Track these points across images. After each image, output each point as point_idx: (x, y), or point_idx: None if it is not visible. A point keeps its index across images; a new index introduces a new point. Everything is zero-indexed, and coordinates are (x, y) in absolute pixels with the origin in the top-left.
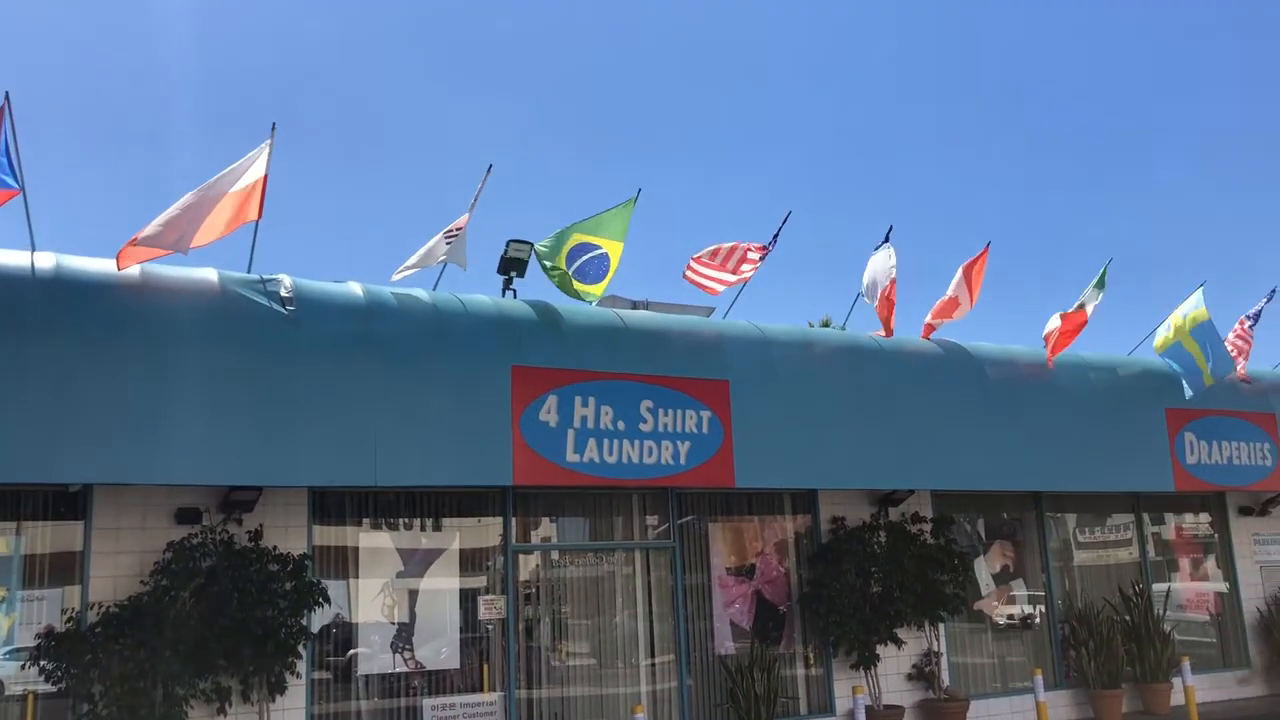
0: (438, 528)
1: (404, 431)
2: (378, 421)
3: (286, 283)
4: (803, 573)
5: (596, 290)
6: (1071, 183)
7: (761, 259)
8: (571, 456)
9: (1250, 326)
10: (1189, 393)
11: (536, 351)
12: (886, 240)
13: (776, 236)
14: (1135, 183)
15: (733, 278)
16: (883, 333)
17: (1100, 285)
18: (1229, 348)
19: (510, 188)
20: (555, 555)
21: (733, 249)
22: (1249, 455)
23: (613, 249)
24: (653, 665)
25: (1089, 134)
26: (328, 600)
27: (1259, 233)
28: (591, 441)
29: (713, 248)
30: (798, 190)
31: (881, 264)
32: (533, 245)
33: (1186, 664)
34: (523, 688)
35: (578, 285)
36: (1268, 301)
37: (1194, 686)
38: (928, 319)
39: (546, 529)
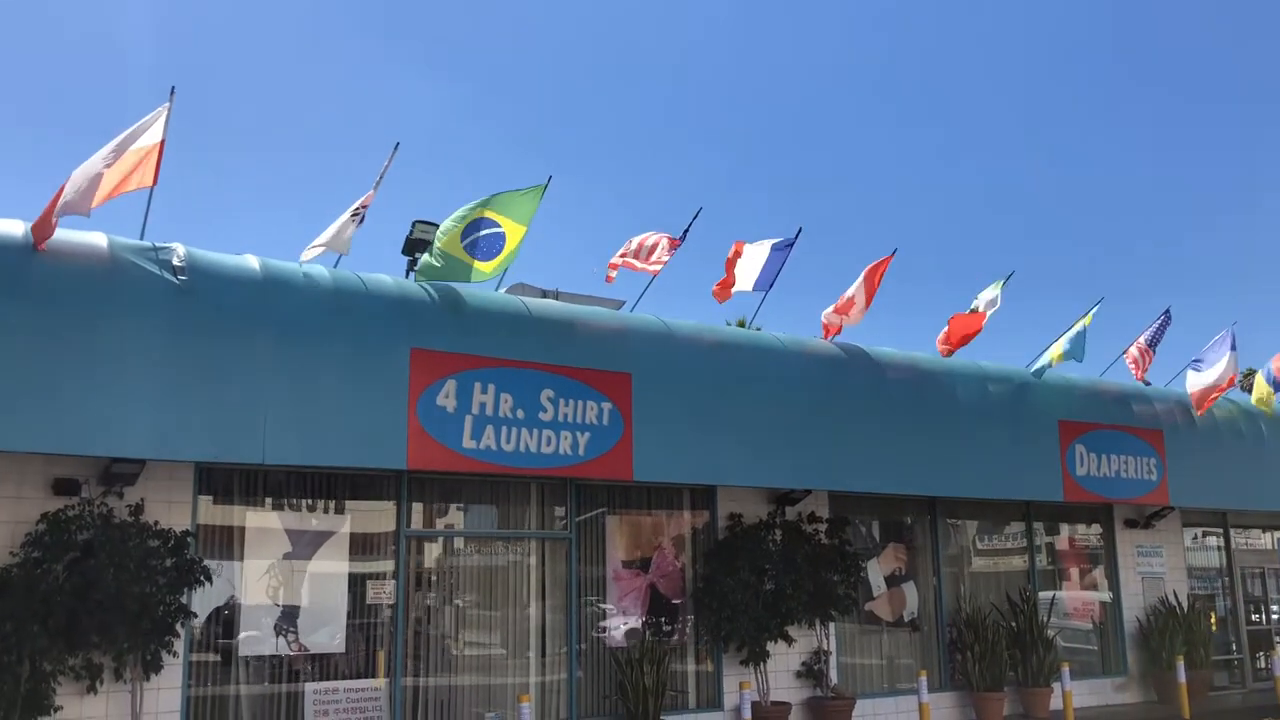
0: (329, 510)
1: (295, 410)
2: (268, 398)
3: (180, 252)
4: (698, 568)
5: (487, 268)
6: (979, 191)
7: (672, 253)
8: (468, 443)
9: (1150, 344)
10: (1040, 365)
11: (437, 335)
12: (794, 240)
13: (687, 231)
14: (1041, 196)
15: (641, 264)
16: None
17: (995, 296)
18: (1128, 360)
19: (438, 170)
20: (450, 542)
21: (647, 241)
22: (1136, 469)
23: (513, 230)
24: (544, 656)
25: (1002, 142)
26: (209, 578)
27: (1162, 249)
28: (489, 429)
29: (635, 241)
30: (725, 186)
31: (774, 262)
32: (438, 227)
33: (1066, 670)
34: (410, 675)
35: (469, 259)
36: (1162, 322)
37: (1072, 692)
38: (825, 317)
39: (442, 515)
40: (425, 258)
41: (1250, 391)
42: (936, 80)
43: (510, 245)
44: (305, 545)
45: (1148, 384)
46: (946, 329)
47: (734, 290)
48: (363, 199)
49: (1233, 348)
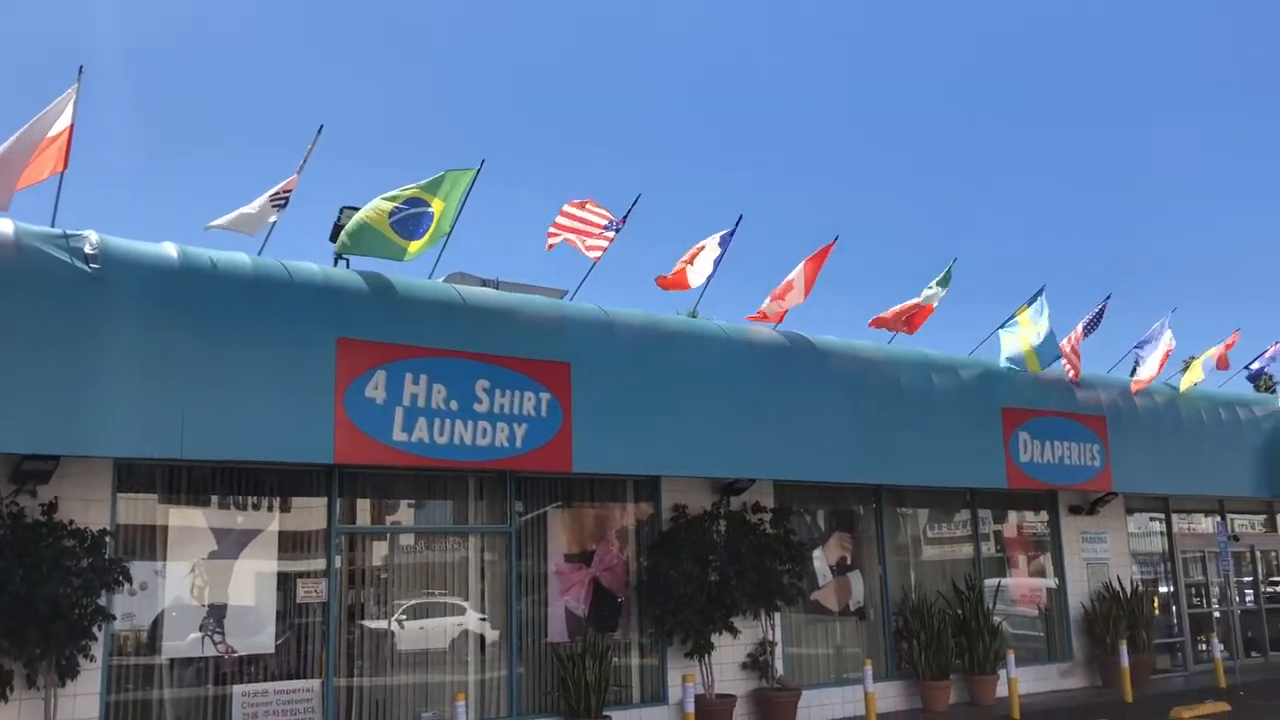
0: (256, 506)
1: (216, 402)
2: (187, 390)
3: (92, 239)
4: (643, 561)
5: (411, 247)
6: (920, 179)
7: (611, 237)
8: (399, 435)
9: (1085, 328)
10: (1004, 361)
11: (365, 324)
12: (735, 229)
13: (625, 217)
14: (982, 186)
15: (580, 239)
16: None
17: (944, 283)
18: (1067, 349)
19: (382, 160)
20: (388, 538)
21: (589, 216)
22: (1079, 455)
23: (440, 212)
24: (483, 653)
25: (942, 129)
26: (128, 579)
27: (1102, 238)
28: (421, 420)
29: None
30: (670, 175)
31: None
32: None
33: (1011, 656)
34: (343, 675)
35: (394, 236)
36: (1102, 307)
37: (1017, 678)
38: (767, 305)
39: (376, 511)
40: (345, 230)
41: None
42: (883, 74)
43: (435, 227)
44: (232, 543)
45: (1079, 385)
46: (895, 310)
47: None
48: (284, 183)
49: (1168, 329)
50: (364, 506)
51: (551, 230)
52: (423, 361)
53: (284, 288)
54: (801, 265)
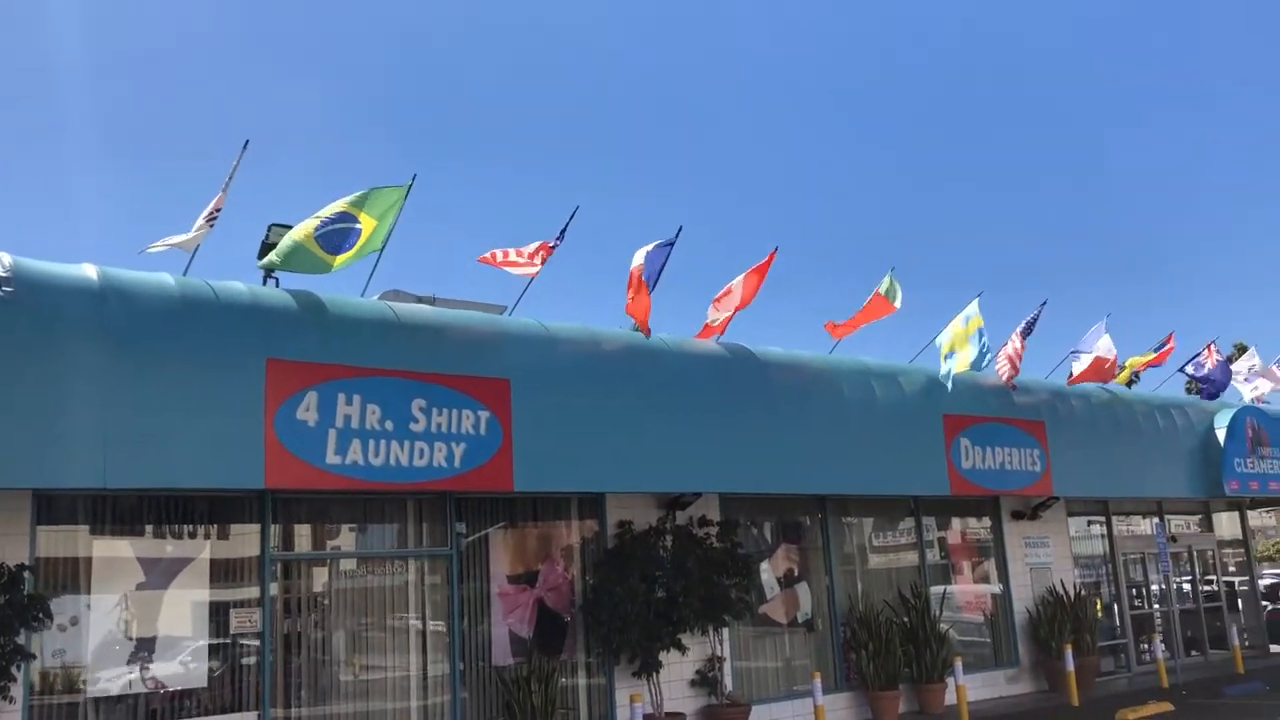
0: (187, 534)
1: (140, 428)
2: (109, 417)
3: (5, 261)
4: (588, 579)
5: (335, 260)
6: (860, 191)
7: (549, 254)
8: (332, 458)
9: (1023, 334)
10: (944, 373)
11: (296, 344)
12: (674, 239)
13: (564, 232)
14: (923, 194)
15: (522, 262)
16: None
17: (891, 295)
18: (1004, 360)
19: (319, 178)
20: (325, 564)
21: (526, 251)
22: (1020, 461)
23: (369, 227)
24: (425, 678)
25: (885, 140)
26: (49, 616)
27: (1038, 244)
28: (355, 442)
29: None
30: (610, 190)
31: (654, 261)
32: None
33: (959, 664)
34: (280, 707)
35: (319, 251)
36: (1039, 313)
37: (965, 686)
38: (710, 315)
39: (312, 536)
40: (274, 250)
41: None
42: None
43: (364, 241)
44: (160, 574)
45: (1014, 387)
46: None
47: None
48: (214, 202)
49: (1105, 334)
50: (300, 532)
51: (483, 258)
52: (356, 381)
53: (210, 308)
54: (743, 276)
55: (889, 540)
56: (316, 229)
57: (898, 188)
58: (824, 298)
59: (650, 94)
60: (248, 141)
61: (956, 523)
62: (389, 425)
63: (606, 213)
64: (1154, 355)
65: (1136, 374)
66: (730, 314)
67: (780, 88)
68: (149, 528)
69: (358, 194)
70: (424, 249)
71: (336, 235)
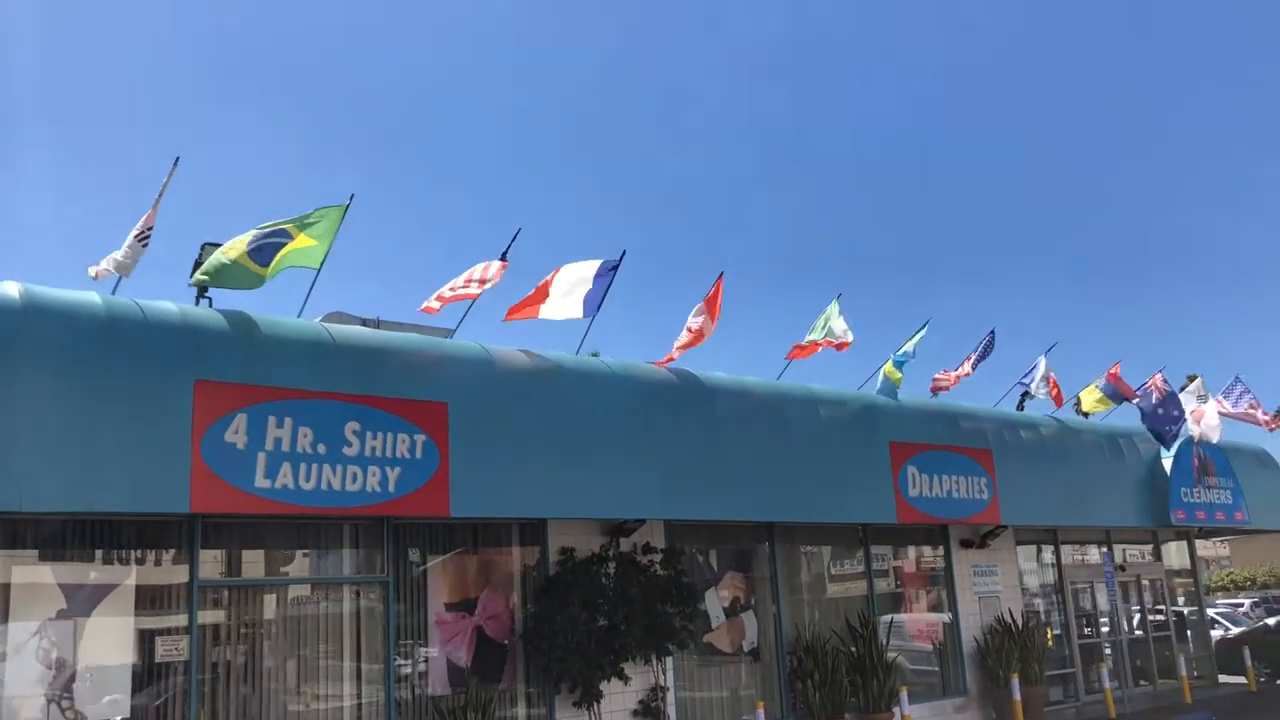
0: (112, 560)
1: (59, 450)
2: (27, 437)
3: None
4: (529, 607)
5: (262, 272)
6: (807, 209)
7: (496, 277)
8: (261, 482)
9: (975, 362)
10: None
11: (226, 365)
12: (618, 263)
13: (506, 253)
14: (870, 215)
15: (474, 290)
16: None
17: (827, 325)
18: (946, 380)
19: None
20: (254, 592)
21: (475, 274)
22: (967, 489)
23: (300, 240)
24: (360, 708)
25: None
26: None
27: (993, 267)
28: (286, 466)
29: (463, 276)
30: (556, 211)
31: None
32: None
33: (905, 694)
34: None
35: (249, 264)
36: (988, 342)
37: (911, 715)
38: (673, 351)
39: (242, 562)
40: (203, 266)
41: (1081, 411)
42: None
43: (287, 252)
44: (83, 601)
45: (938, 390)
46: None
47: (544, 314)
48: (144, 220)
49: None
50: (231, 558)
51: (432, 304)
52: (287, 404)
53: (137, 328)
54: (699, 310)
55: (837, 569)
56: (249, 244)
57: (846, 206)
58: (776, 320)
59: (594, 113)
60: (178, 159)
61: (906, 551)
62: (321, 449)
63: (552, 233)
64: (1110, 398)
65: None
66: (695, 345)
67: (724, 108)
68: (71, 552)
69: (301, 215)
70: (371, 273)
71: (269, 249)
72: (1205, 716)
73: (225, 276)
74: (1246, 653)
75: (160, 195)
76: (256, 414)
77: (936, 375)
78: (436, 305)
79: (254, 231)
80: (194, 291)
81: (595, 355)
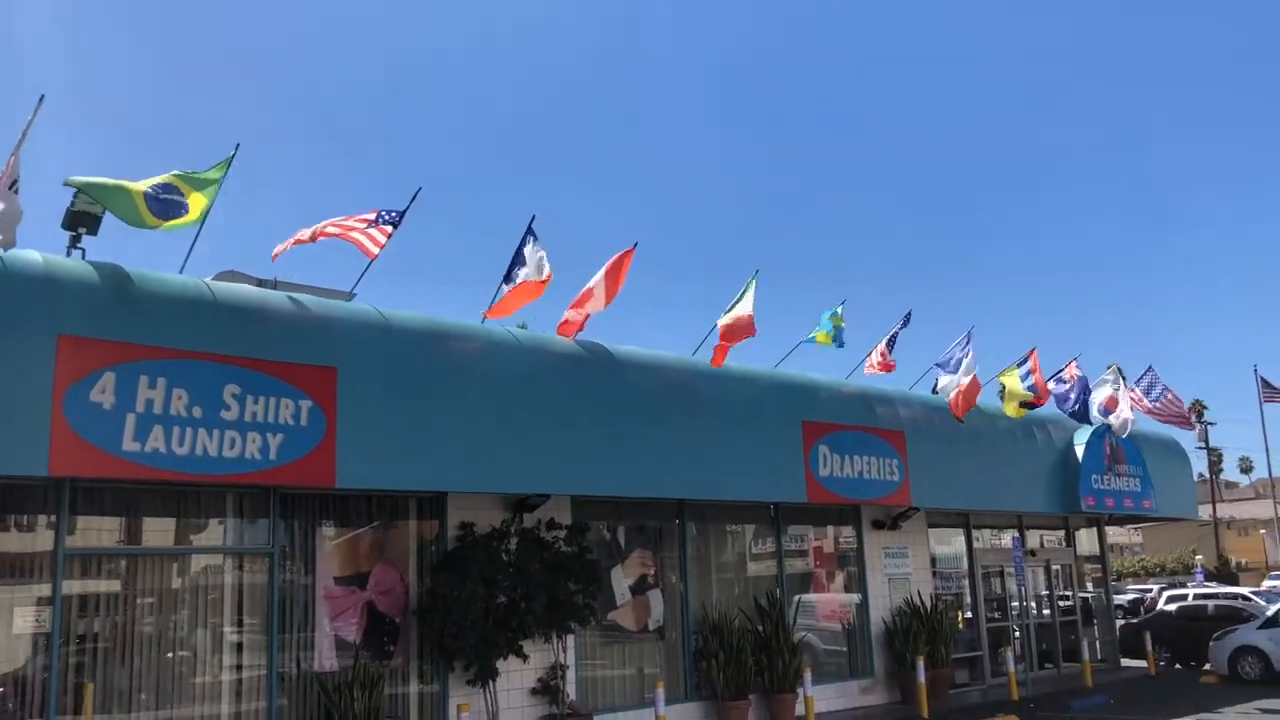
0: None
1: None
2: None
3: None
4: (425, 582)
5: (155, 222)
6: (730, 194)
7: (390, 231)
8: (130, 445)
9: (888, 346)
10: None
11: (94, 320)
12: (529, 231)
13: (404, 213)
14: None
15: (359, 229)
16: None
17: (743, 298)
18: (867, 367)
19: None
20: (126, 560)
21: (357, 224)
22: (879, 470)
23: (194, 200)
24: (240, 683)
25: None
26: None
27: (908, 250)
28: (158, 429)
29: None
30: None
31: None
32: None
33: (808, 674)
34: (72, 714)
35: (143, 209)
36: (903, 326)
37: (813, 696)
38: (568, 314)
39: (115, 529)
40: (93, 183)
41: (1001, 397)
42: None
43: (190, 217)
44: None
45: (867, 370)
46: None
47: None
48: (9, 166)
49: (970, 350)
50: (102, 524)
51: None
52: (161, 363)
53: None
54: (601, 272)
55: (747, 548)
56: (150, 188)
57: (769, 186)
58: (694, 298)
59: (497, 73)
60: (43, 97)
61: (817, 531)
62: (197, 412)
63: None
64: (1032, 393)
65: (1031, 405)
66: (588, 313)
67: (652, 86)
68: None
69: (187, 172)
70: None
71: (166, 205)
72: (1103, 700)
73: (113, 200)
74: (1148, 637)
75: (23, 136)
76: (126, 373)
77: (868, 362)
78: (305, 237)
79: (156, 180)
80: (65, 241)
81: (522, 326)
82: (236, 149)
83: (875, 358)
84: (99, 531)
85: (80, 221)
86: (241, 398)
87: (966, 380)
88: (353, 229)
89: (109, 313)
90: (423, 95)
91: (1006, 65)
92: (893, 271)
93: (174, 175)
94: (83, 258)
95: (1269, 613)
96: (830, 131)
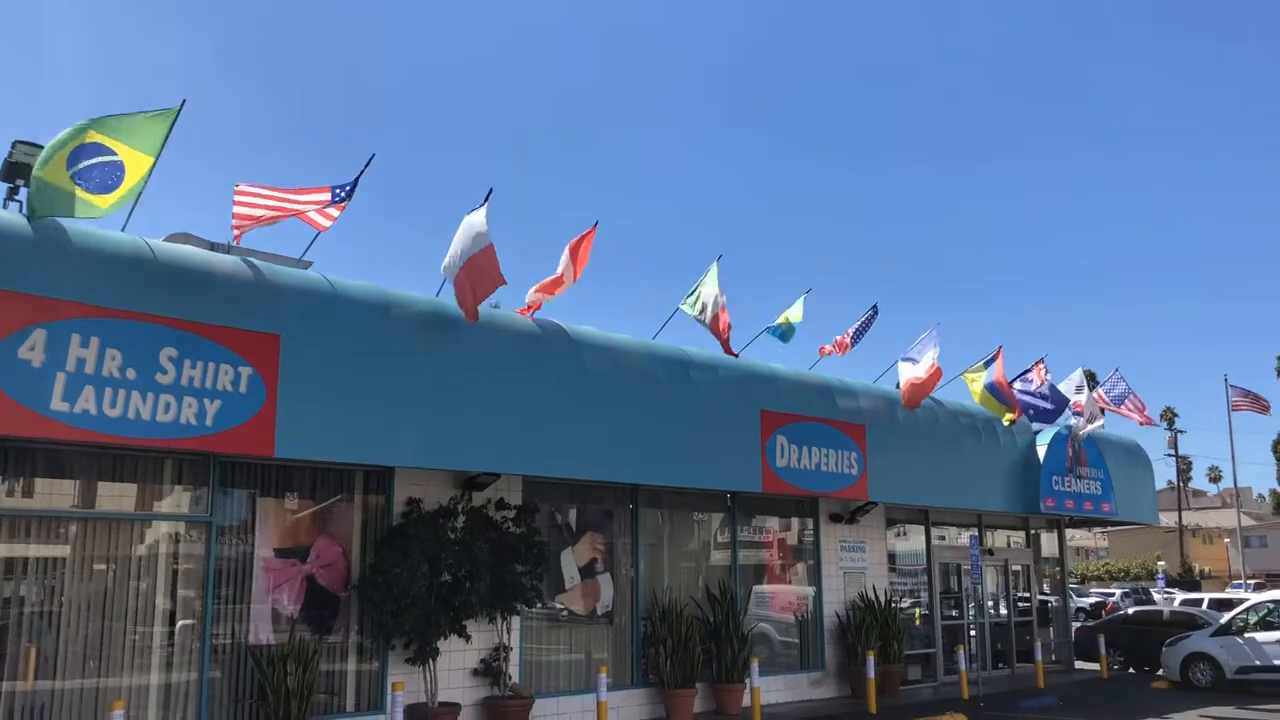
0: None
1: None
2: None
3: None
4: (369, 558)
5: (102, 202)
6: (694, 179)
7: (339, 207)
8: (59, 405)
9: (854, 339)
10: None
11: (24, 274)
12: (485, 202)
13: (357, 180)
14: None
15: (291, 206)
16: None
17: (699, 295)
18: (833, 347)
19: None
20: (55, 524)
21: (312, 202)
22: (837, 463)
23: (134, 161)
24: (170, 654)
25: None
26: None
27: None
28: (89, 389)
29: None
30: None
31: (475, 228)
32: (44, 149)
33: (755, 665)
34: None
35: (75, 189)
36: (871, 317)
37: (760, 687)
38: (529, 295)
39: (45, 491)
40: (29, 192)
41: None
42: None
43: (132, 178)
44: None
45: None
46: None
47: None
48: None
49: (936, 345)
50: (31, 486)
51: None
52: (95, 322)
53: None
54: (565, 254)
55: (702, 535)
56: (70, 165)
57: (750, 170)
58: (658, 284)
59: (453, 51)
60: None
61: (775, 522)
62: (131, 374)
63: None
64: (992, 392)
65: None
66: (551, 294)
67: (633, 70)
68: None
69: (101, 119)
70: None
71: (97, 172)
72: (1052, 701)
73: (56, 205)
74: (1102, 641)
75: None
76: (57, 330)
77: (823, 346)
78: (266, 218)
79: (61, 147)
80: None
81: (495, 306)
82: (182, 103)
83: (830, 343)
84: (31, 495)
85: (18, 173)
86: (179, 361)
87: (924, 374)
88: (308, 206)
89: (42, 268)
90: (422, 97)
91: (1006, 66)
92: (859, 270)
93: (94, 128)
94: (20, 210)
95: (1222, 620)
96: (821, 122)
